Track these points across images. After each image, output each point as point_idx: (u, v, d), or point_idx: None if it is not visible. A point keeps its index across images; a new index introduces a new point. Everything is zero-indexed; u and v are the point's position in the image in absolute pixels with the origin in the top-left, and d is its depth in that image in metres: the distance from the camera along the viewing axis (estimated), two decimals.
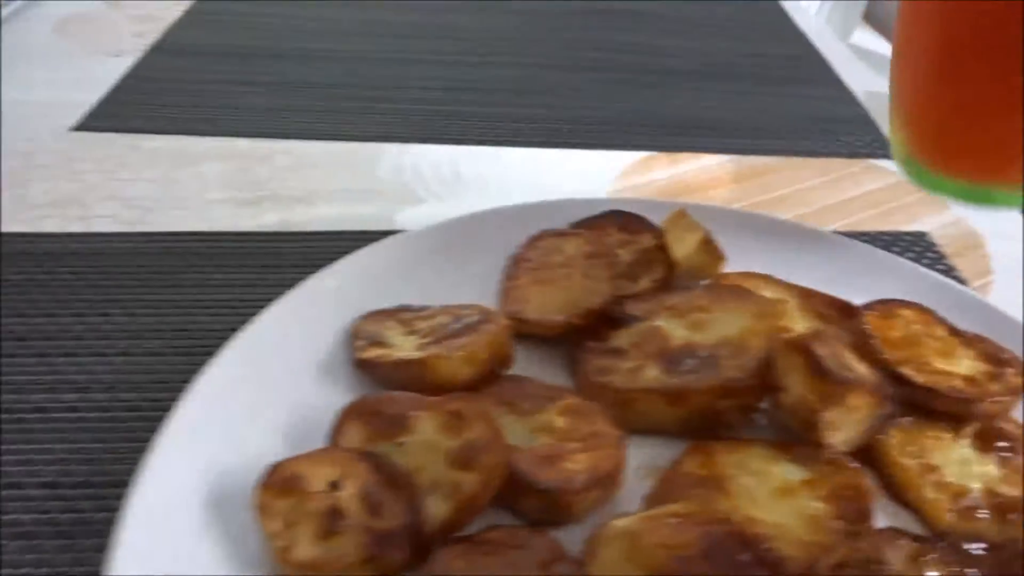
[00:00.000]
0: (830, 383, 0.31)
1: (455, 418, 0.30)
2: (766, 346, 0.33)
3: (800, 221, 0.42)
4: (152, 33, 0.70)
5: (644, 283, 0.40)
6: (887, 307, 0.37)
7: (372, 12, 0.75)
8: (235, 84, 0.62)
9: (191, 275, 0.43)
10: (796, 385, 0.32)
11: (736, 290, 0.37)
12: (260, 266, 0.44)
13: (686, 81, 0.66)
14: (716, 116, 0.61)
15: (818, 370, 0.31)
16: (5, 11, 0.70)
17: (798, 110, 0.63)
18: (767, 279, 0.40)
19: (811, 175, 0.54)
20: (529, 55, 0.70)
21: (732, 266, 0.40)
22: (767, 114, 0.62)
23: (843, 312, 0.38)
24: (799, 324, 0.38)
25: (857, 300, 0.39)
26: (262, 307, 0.36)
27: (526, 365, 0.36)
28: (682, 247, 0.39)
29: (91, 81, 0.61)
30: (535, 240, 0.40)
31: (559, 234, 0.40)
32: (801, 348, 0.32)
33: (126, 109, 0.58)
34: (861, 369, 0.33)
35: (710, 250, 0.38)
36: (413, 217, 0.49)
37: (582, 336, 0.36)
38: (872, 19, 2.05)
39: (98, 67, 0.64)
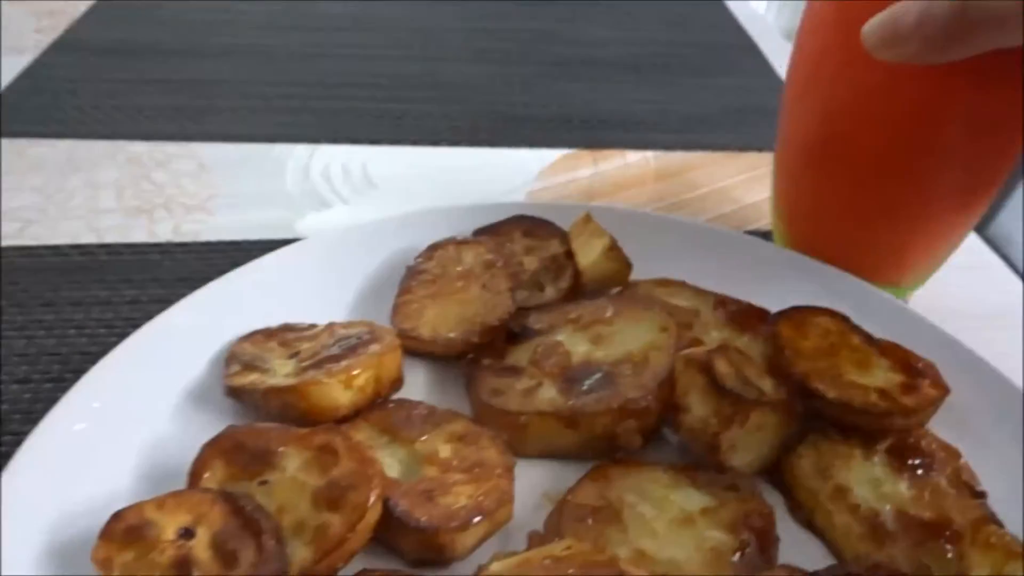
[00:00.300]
0: (731, 402, 0.29)
1: (323, 452, 0.27)
2: (667, 363, 0.31)
3: (716, 224, 0.40)
4: (54, 29, 0.66)
5: (550, 292, 0.37)
6: (801, 315, 0.35)
7: (280, 4, 0.72)
8: (136, 83, 0.58)
9: (69, 292, 0.40)
10: (697, 404, 0.30)
11: (641, 301, 0.34)
12: (148, 280, 0.41)
13: (614, 73, 0.64)
14: (643, 110, 0.59)
15: (719, 388, 0.29)
16: None
17: (728, 101, 0.61)
18: (681, 285, 0.38)
19: (735, 171, 0.52)
20: (449, 47, 0.67)
21: (646, 272, 0.38)
22: (696, 106, 0.60)
23: (758, 319, 0.36)
24: (712, 334, 0.36)
25: (773, 306, 0.37)
26: (141, 326, 0.34)
27: (420, 386, 0.34)
28: (588, 254, 0.37)
29: None
30: (433, 249, 0.38)
31: (459, 243, 0.38)
32: (701, 365, 0.30)
33: (15, 112, 0.54)
34: (768, 385, 0.31)
35: (616, 257, 0.36)
36: (317, 223, 0.46)
37: (479, 353, 0.34)
38: None
39: None
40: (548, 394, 0.31)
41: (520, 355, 0.34)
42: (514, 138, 0.55)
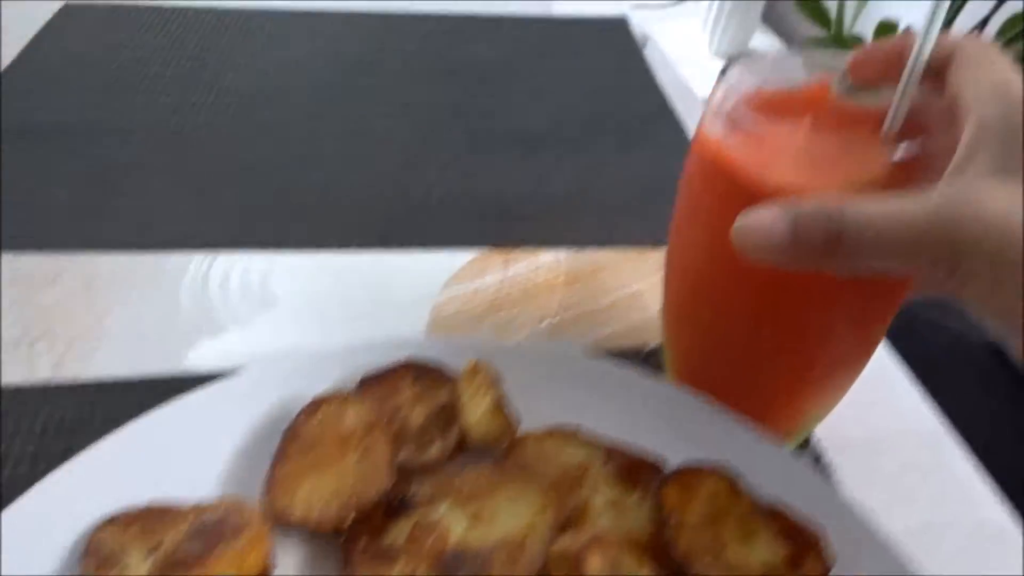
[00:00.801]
0: None
1: None
2: (541, 553, 0.30)
3: (609, 361, 0.39)
4: None
5: (436, 449, 0.36)
6: (688, 477, 0.34)
7: (175, 69, 0.70)
8: (26, 176, 0.56)
9: None
10: None
11: (522, 473, 0.33)
12: (18, 433, 0.39)
13: (532, 152, 0.63)
14: (560, 196, 0.58)
15: None
16: None
17: (648, 182, 0.60)
18: (573, 436, 0.37)
19: (648, 270, 0.51)
20: (352, 128, 0.65)
21: (539, 412, 0.37)
22: (615, 189, 0.59)
23: (650, 473, 0.36)
24: (602, 494, 0.35)
25: (667, 451, 0.36)
26: None
27: (293, 566, 0.33)
28: (473, 411, 0.36)
29: None
30: (314, 407, 0.36)
31: (342, 399, 0.36)
32: (572, 561, 0.29)
33: None
34: (645, 570, 0.30)
35: (501, 416, 0.35)
36: (209, 352, 0.44)
37: (356, 532, 0.32)
38: (772, 20, 2.06)
39: None
40: None
41: (399, 532, 0.32)
42: (425, 237, 0.53)
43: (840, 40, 1.47)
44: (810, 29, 1.56)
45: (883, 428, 0.42)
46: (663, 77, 0.76)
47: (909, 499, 0.39)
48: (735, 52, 1.89)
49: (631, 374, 0.40)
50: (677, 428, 0.38)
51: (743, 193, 0.32)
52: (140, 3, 0.81)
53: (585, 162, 0.62)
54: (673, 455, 0.36)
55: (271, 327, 0.46)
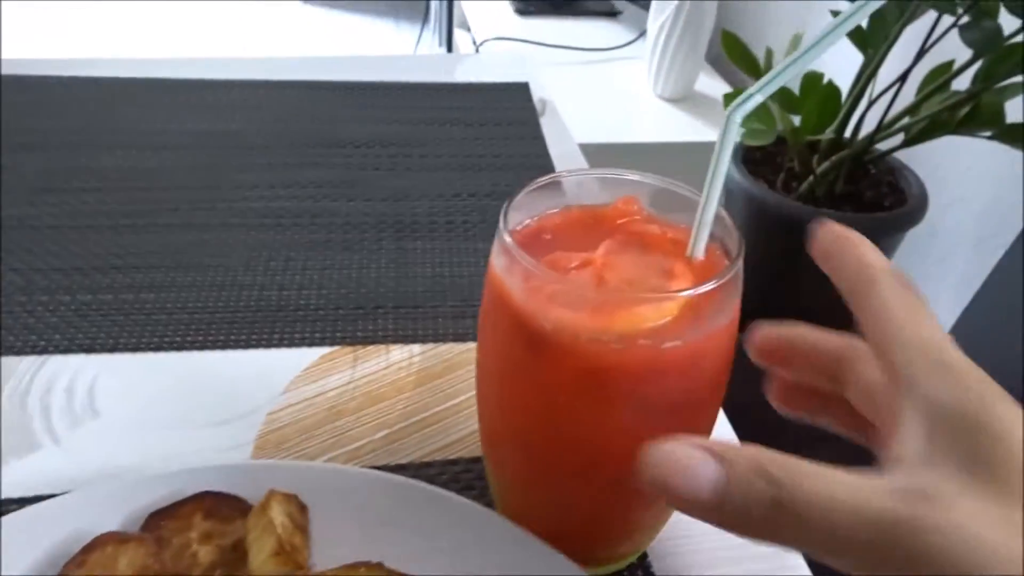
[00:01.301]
0: None
1: None
2: None
3: (429, 489, 0.37)
4: None
5: None
6: None
7: (35, 152, 0.68)
8: None
9: None
10: None
11: None
12: None
13: (401, 238, 0.61)
14: (422, 287, 0.56)
15: None
16: None
17: None
18: (372, 571, 0.34)
19: None
20: (217, 209, 0.63)
21: (342, 548, 0.35)
22: (476, 279, 0.57)
23: None
24: None
25: None
26: None
27: None
28: (258, 553, 0.33)
29: None
30: (88, 552, 0.34)
31: (119, 540, 0.34)
32: None
33: None
34: None
35: (283, 561, 0.33)
36: (18, 477, 0.41)
37: None
38: (717, 62, 2.08)
39: None
40: None
41: None
42: (272, 334, 0.51)
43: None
44: (746, 78, 1.57)
45: (714, 545, 0.40)
46: (556, 148, 0.75)
47: None
48: (679, 95, 1.90)
49: (450, 503, 0.38)
50: (489, 560, 0.35)
51: (523, 330, 0.31)
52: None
53: (455, 248, 0.60)
54: None
55: (89, 444, 0.43)
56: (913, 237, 1.42)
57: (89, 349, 0.49)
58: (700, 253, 0.32)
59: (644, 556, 0.39)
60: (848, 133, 1.35)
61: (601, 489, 0.34)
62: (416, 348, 0.51)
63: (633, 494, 0.34)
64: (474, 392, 0.47)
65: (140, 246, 0.58)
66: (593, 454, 0.32)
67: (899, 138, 1.32)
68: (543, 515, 0.36)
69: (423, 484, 0.38)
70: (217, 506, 0.36)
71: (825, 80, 1.37)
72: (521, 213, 0.34)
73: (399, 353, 0.51)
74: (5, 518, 0.35)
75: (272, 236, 0.60)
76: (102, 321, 0.51)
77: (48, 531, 0.35)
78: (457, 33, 2.52)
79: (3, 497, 0.40)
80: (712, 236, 0.33)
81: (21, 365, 0.48)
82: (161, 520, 0.36)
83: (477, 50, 2.00)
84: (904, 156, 1.42)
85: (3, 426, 0.44)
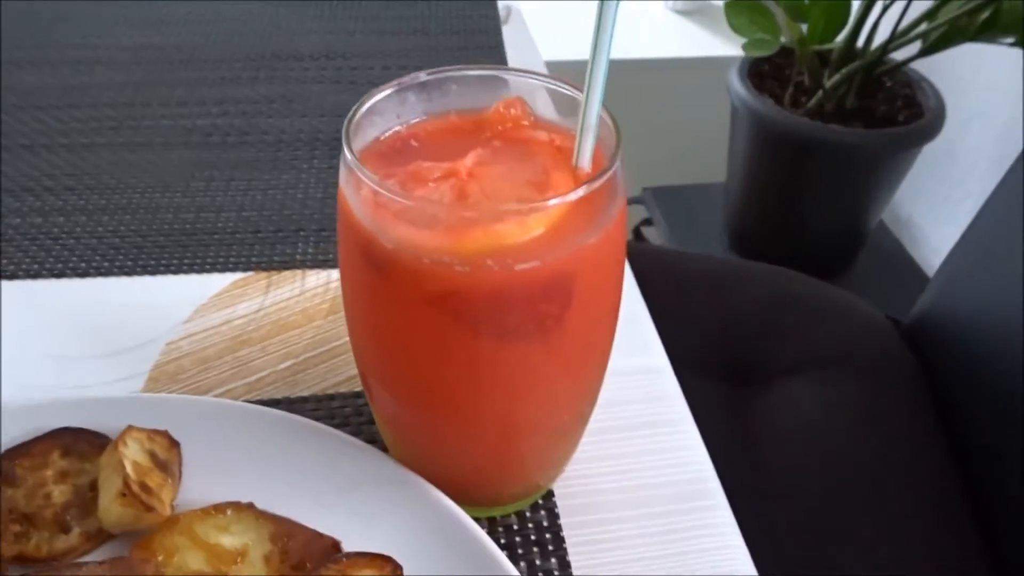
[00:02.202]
0: None
1: None
2: None
3: (313, 428, 0.34)
4: None
5: (74, 538, 0.31)
6: (347, 566, 0.30)
7: None
8: None
9: None
10: None
11: (131, 573, 0.28)
12: None
13: (335, 156, 0.57)
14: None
15: None
16: None
17: None
18: (240, 513, 0.32)
19: None
20: (145, 125, 0.59)
21: (217, 486, 0.33)
22: None
23: (325, 554, 0.31)
24: None
25: (350, 533, 0.31)
26: None
27: None
28: (105, 492, 0.31)
29: None
30: None
31: None
32: None
33: None
34: None
35: (130, 503, 0.30)
36: None
37: None
38: None
39: None
40: None
41: None
42: (184, 258, 0.48)
43: None
44: None
45: (619, 485, 0.37)
46: (517, 60, 0.70)
47: (639, 567, 0.34)
48: (692, 8, 1.81)
49: (330, 438, 0.35)
50: (368, 501, 0.33)
51: (370, 252, 0.27)
52: None
53: None
54: (357, 534, 0.31)
55: None
56: (930, 156, 1.34)
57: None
58: (586, 163, 0.28)
59: (550, 494, 0.36)
60: (861, 42, 1.26)
61: (476, 425, 0.31)
62: (334, 274, 0.48)
63: (513, 430, 0.31)
64: None
65: (57, 167, 0.55)
66: (457, 388, 0.29)
67: (916, 48, 1.23)
68: (425, 452, 0.33)
69: (303, 419, 0.35)
70: (76, 443, 0.34)
71: None
72: (386, 119, 0.30)
73: (315, 279, 0.47)
74: None
75: (197, 155, 0.57)
76: (4, 246, 0.48)
77: None
78: None
79: None
80: (603, 143, 0.28)
81: None
82: (16, 458, 0.33)
83: None
84: (921, 68, 1.33)
85: None
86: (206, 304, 0.46)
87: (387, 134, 0.30)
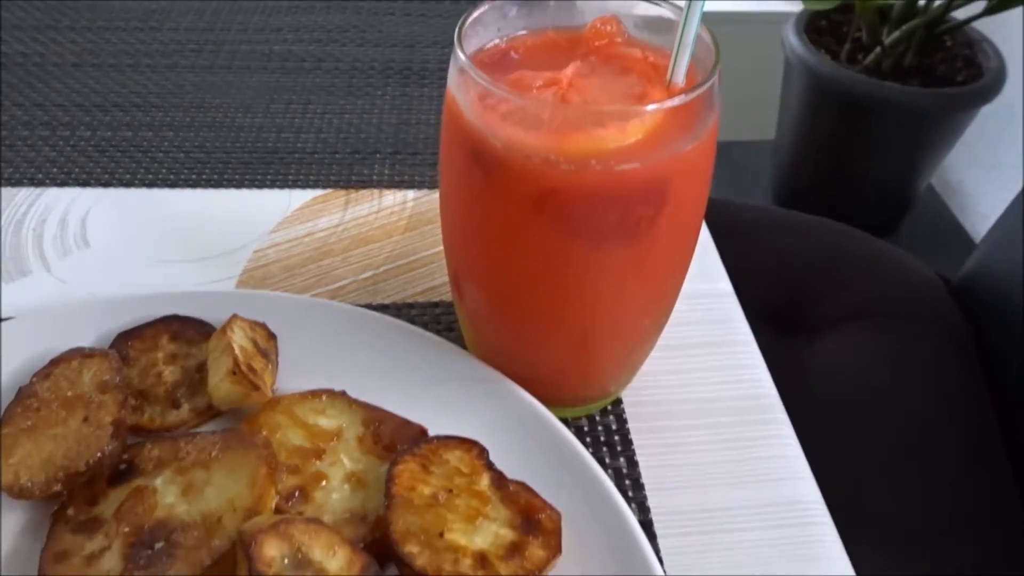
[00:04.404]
0: None
1: None
2: (229, 537, 0.28)
3: (400, 325, 0.37)
4: None
5: (184, 412, 0.34)
6: (434, 449, 0.32)
7: None
8: None
9: None
10: None
11: (246, 443, 0.31)
12: None
13: (407, 84, 0.59)
14: (425, 134, 0.54)
15: (254, 572, 0.26)
16: None
17: None
18: (335, 399, 0.35)
19: None
20: (222, 50, 0.61)
21: (308, 377, 0.35)
22: None
23: (413, 440, 0.33)
24: (345, 464, 0.33)
25: (433, 420, 0.34)
26: None
27: (11, 532, 0.31)
28: (214, 372, 0.34)
29: None
30: (54, 365, 0.34)
31: (84, 355, 0.34)
32: (248, 544, 0.27)
33: None
34: (336, 561, 0.28)
35: (239, 380, 0.33)
36: (9, 299, 0.42)
37: (68, 501, 0.31)
38: None
39: None
40: (110, 563, 0.29)
41: (113, 501, 0.31)
42: (267, 175, 0.50)
43: None
44: None
45: (683, 397, 0.39)
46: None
47: (702, 470, 0.36)
48: None
49: (415, 336, 0.37)
50: (449, 395, 0.35)
51: (478, 153, 0.29)
52: None
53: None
54: (443, 425, 0.34)
55: (76, 273, 0.44)
56: (982, 121, 1.32)
57: (84, 183, 0.49)
58: (680, 78, 0.30)
59: (618, 402, 0.38)
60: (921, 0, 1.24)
61: (562, 325, 0.33)
62: (411, 194, 0.50)
63: (596, 332, 0.33)
64: None
65: (142, 85, 0.57)
66: (549, 288, 0.31)
67: (979, 6, 1.20)
68: (508, 353, 0.35)
69: (394, 319, 0.38)
70: (183, 329, 0.36)
71: None
72: (488, 31, 0.32)
73: (392, 198, 0.49)
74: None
75: (276, 79, 0.59)
76: (99, 157, 0.51)
77: (24, 346, 0.36)
78: None
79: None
80: (697, 61, 0.30)
81: (18, 196, 0.48)
82: (129, 340, 0.36)
83: None
84: (985, 28, 1.30)
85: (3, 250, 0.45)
86: (289, 216, 0.48)
87: (488, 46, 0.32)
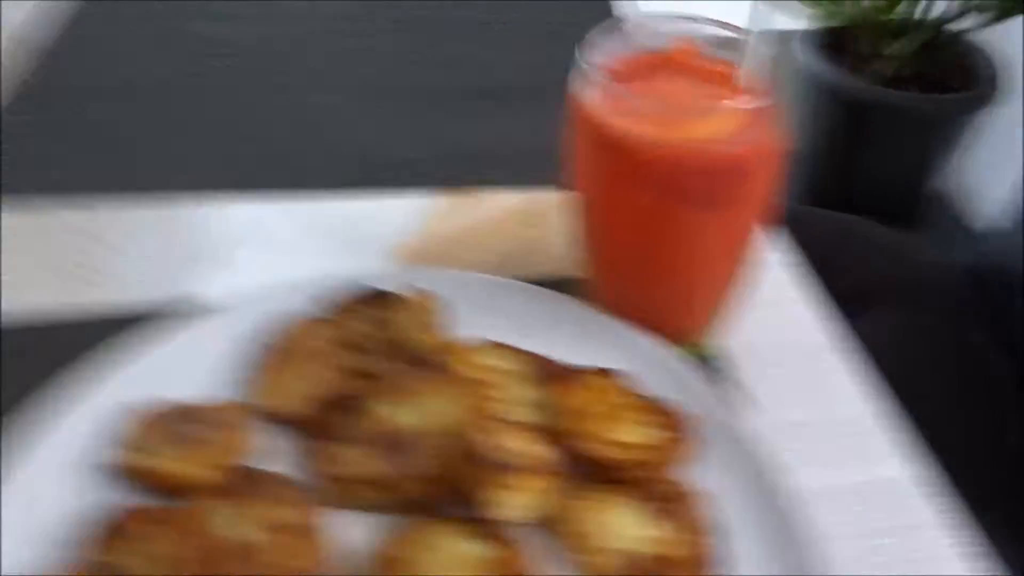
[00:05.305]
0: (492, 468, 0.36)
1: (185, 532, 0.36)
2: (458, 435, 0.38)
3: (536, 287, 0.48)
4: None
5: (386, 362, 0.44)
6: (584, 375, 0.42)
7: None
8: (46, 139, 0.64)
9: None
10: (472, 470, 0.37)
11: (448, 374, 0.42)
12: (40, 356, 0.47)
13: (502, 102, 0.70)
14: (526, 143, 0.65)
15: (482, 457, 0.36)
16: None
17: None
18: (500, 347, 0.45)
19: None
20: (332, 78, 0.72)
21: (473, 333, 0.45)
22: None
23: (560, 376, 0.44)
24: (520, 394, 0.43)
25: (579, 360, 0.44)
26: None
27: (278, 452, 0.41)
28: (413, 327, 0.44)
29: None
30: (288, 328, 0.45)
31: (310, 318, 0.45)
32: (471, 437, 0.37)
33: None
34: (535, 449, 0.38)
35: (435, 330, 0.43)
36: (208, 285, 0.53)
37: (320, 424, 0.41)
38: None
39: None
40: (368, 462, 0.39)
41: (353, 425, 0.41)
42: (393, 183, 0.61)
43: None
44: None
45: (776, 339, 0.49)
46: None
47: (791, 400, 0.47)
48: None
49: (554, 297, 0.48)
50: (588, 340, 0.45)
51: (600, 140, 0.39)
52: None
53: (549, 112, 0.68)
54: (584, 362, 0.44)
55: (259, 264, 0.54)
56: (991, 126, 1.42)
57: (249, 194, 0.60)
58: (749, 83, 0.40)
59: (713, 346, 0.49)
60: (918, 14, 1.36)
61: (671, 275, 0.43)
62: (523, 194, 0.60)
63: (693, 279, 0.44)
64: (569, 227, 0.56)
65: (265, 112, 0.68)
66: (664, 244, 0.42)
67: (976, 18, 1.32)
68: (627, 305, 0.46)
69: (539, 289, 0.48)
70: (378, 300, 0.47)
71: None
72: (600, 52, 0.42)
73: (508, 197, 0.60)
74: (217, 311, 0.46)
75: (378, 104, 0.70)
76: (247, 171, 0.62)
77: (252, 317, 0.46)
78: None
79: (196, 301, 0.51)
80: (756, 69, 0.40)
81: (183, 207, 0.59)
82: (336, 308, 0.46)
83: None
84: (983, 39, 1.41)
85: (190, 250, 0.55)
86: (422, 216, 0.59)
87: (599, 63, 0.42)
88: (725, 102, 0.39)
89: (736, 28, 0.42)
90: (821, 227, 0.89)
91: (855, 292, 0.81)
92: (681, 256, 0.42)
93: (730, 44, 0.42)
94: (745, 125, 0.38)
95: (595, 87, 0.39)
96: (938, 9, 1.35)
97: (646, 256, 0.43)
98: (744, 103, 0.38)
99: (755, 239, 0.44)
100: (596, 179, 0.43)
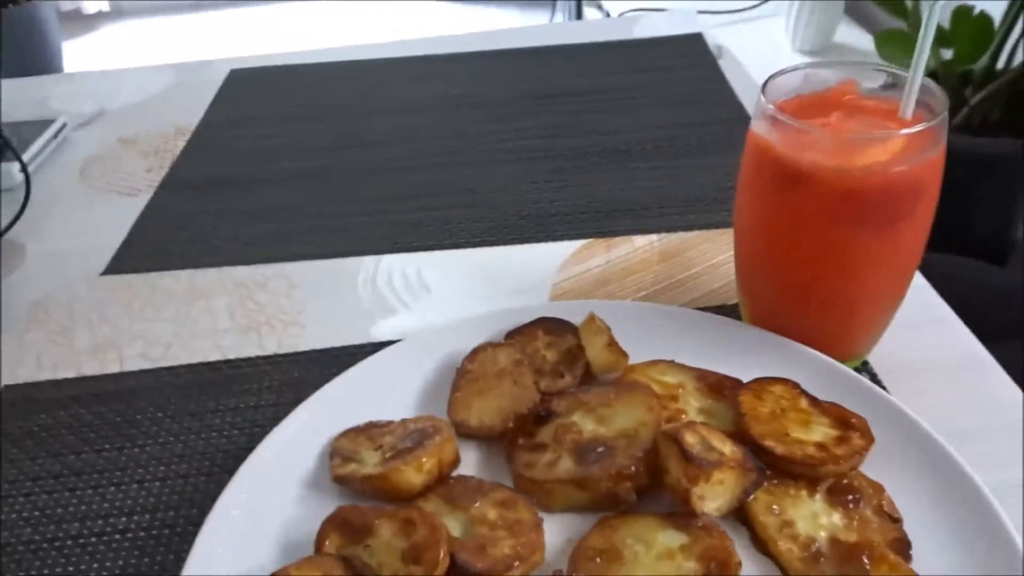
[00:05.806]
0: (695, 465, 0.39)
1: (407, 523, 0.39)
2: (652, 437, 0.42)
3: (696, 310, 0.51)
4: (160, 168, 0.80)
5: (567, 379, 0.48)
6: (758, 385, 0.45)
7: (330, 125, 0.86)
8: (230, 214, 0.72)
9: (206, 402, 0.53)
10: (673, 467, 0.40)
11: (634, 386, 0.45)
12: (263, 388, 0.54)
13: (624, 161, 0.75)
14: (648, 195, 0.70)
15: (685, 456, 0.40)
16: (32, 164, 0.81)
17: (721, 179, 0.71)
18: (670, 364, 0.48)
19: (725, 246, 0.62)
20: (476, 150, 0.79)
21: (642, 353, 0.49)
22: (695, 187, 0.70)
23: (730, 388, 0.47)
24: (692, 403, 0.46)
25: (743, 375, 0.47)
26: (265, 427, 0.47)
27: (473, 464, 0.45)
28: (592, 348, 0.48)
29: (112, 224, 0.72)
30: (475, 353, 0.49)
31: (495, 346, 0.49)
32: (673, 438, 0.40)
33: (143, 249, 0.69)
34: (728, 448, 0.41)
35: (614, 350, 0.47)
36: (386, 328, 0.58)
37: (515, 435, 0.45)
38: (854, 12, 2.10)
39: (117, 208, 0.74)
40: (566, 465, 0.42)
41: (545, 434, 0.45)
42: (539, 233, 0.66)
43: (916, 29, 1.52)
44: (890, 20, 1.61)
45: (923, 355, 0.51)
46: (737, 84, 0.87)
47: (940, 405, 0.48)
48: (819, 47, 1.95)
49: (713, 319, 0.51)
50: (751, 357, 0.49)
51: (786, 174, 0.43)
52: (286, 63, 0.98)
53: (670, 166, 0.74)
54: (747, 376, 0.47)
55: (429, 309, 0.60)
56: None
57: (412, 249, 0.66)
58: (909, 114, 0.44)
59: (866, 363, 0.51)
60: (1002, 63, 1.38)
61: (842, 296, 0.46)
62: (655, 237, 0.65)
63: (855, 299, 0.47)
64: (709, 263, 0.60)
65: (418, 184, 0.75)
66: (834, 269, 0.45)
67: None
68: (784, 324, 0.49)
69: (700, 313, 0.52)
70: (552, 327, 0.51)
71: (976, 11, 1.39)
72: (767, 96, 0.47)
73: (643, 240, 0.65)
74: (408, 343, 0.51)
75: (516, 168, 0.75)
76: (412, 231, 0.68)
77: (439, 348, 0.51)
78: (587, 10, 2.63)
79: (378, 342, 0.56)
80: (918, 102, 0.44)
81: (365, 262, 0.65)
82: (515, 337, 0.51)
83: None
84: None
85: (365, 300, 0.61)
86: (567, 260, 0.63)
87: (772, 104, 0.47)
88: (893, 128, 0.43)
89: (890, 69, 0.46)
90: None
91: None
92: (854, 280, 0.46)
93: (886, 83, 0.46)
94: (913, 148, 0.42)
95: (780, 124, 0.43)
96: (1019, 58, 1.37)
97: (818, 283, 0.46)
98: (908, 128, 0.42)
99: (916, 256, 0.46)
100: (772, 211, 0.46)
